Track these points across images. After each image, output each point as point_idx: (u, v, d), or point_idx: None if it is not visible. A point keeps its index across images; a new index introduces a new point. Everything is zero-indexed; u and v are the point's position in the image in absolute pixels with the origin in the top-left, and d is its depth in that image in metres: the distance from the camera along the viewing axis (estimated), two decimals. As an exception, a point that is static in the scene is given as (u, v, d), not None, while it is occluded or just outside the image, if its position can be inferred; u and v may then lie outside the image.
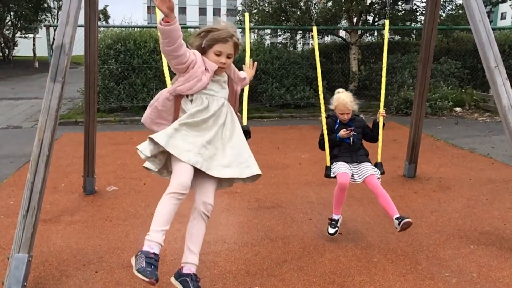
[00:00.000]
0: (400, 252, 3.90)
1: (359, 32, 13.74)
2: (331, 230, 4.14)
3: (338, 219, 4.18)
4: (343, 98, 4.11)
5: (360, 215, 4.74)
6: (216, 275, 3.50)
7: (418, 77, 5.85)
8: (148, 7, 67.27)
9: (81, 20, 4.12)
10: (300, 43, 17.78)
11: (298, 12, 12.89)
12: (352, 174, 4.11)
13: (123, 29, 11.82)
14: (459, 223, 4.53)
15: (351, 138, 4.16)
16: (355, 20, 13.68)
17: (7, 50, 28.45)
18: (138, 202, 5.12)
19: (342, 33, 15.03)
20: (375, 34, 15.53)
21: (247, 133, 3.40)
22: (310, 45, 19.48)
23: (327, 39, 16.56)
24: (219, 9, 69.44)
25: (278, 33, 17.09)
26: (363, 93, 12.53)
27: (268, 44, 15.42)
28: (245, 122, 3.65)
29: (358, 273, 3.56)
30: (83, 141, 5.24)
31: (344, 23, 14.21)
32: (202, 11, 71.76)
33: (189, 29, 12.20)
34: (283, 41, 17.44)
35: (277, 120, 11.21)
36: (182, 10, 68.62)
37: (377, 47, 13.89)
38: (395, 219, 3.87)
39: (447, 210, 4.89)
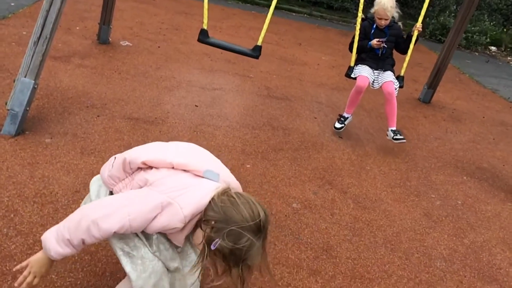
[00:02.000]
0: (394, 167, 3.95)
1: None
2: (338, 125, 4.26)
3: (348, 118, 4.29)
4: (384, 3, 3.93)
5: (364, 126, 4.72)
6: (212, 146, 3.57)
7: (464, 2, 5.45)
8: None
9: None
10: None
11: None
12: (373, 80, 4.11)
13: None
14: (459, 154, 4.53)
15: (381, 50, 4.09)
16: None
17: None
18: (149, 63, 5.05)
19: None
20: None
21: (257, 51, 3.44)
22: None
23: None
24: None
25: None
26: (401, 10, 11.80)
27: None
28: (260, 42, 3.53)
29: (348, 175, 3.63)
30: (104, -13, 5.02)
31: None
32: None
33: None
34: None
35: (306, 17, 10.71)
36: None
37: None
38: (391, 130, 4.10)
39: (452, 140, 4.86)
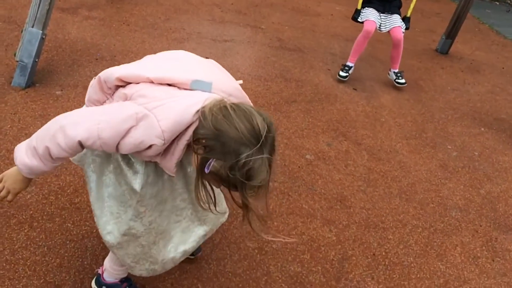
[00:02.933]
0: (410, 118, 3.87)
1: None
2: (342, 73, 4.22)
3: (351, 67, 4.25)
4: None
5: (379, 77, 4.59)
6: (224, 98, 3.51)
7: None
8: None
9: None
10: None
11: None
12: (380, 24, 4.08)
13: None
14: (477, 105, 4.42)
15: None
16: None
17: None
18: (158, 14, 4.92)
19: None
20: None
21: None
22: None
23: None
24: None
25: None
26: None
27: None
28: None
29: (362, 127, 3.57)
30: None
31: None
32: None
33: None
34: None
35: (319, -34, 10.29)
36: None
37: None
38: (393, 72, 4.23)
39: (469, 91, 4.73)
